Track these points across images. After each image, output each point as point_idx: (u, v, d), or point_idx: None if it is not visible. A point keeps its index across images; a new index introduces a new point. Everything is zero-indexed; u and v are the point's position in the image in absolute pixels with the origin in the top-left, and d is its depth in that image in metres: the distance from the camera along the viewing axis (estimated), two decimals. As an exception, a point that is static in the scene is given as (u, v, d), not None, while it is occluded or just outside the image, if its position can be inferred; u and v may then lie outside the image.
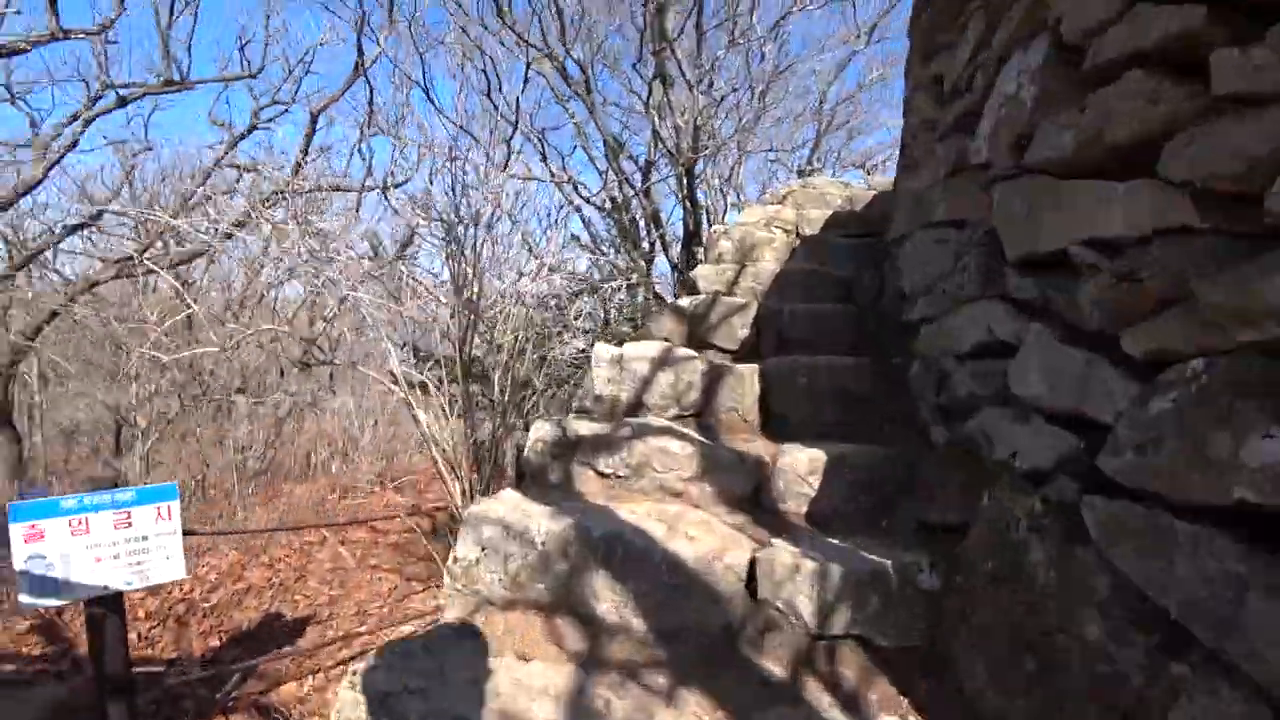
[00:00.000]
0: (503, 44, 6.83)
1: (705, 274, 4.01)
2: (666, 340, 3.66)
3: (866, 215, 4.78)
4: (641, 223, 6.70)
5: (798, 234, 4.77)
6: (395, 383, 4.05)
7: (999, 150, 1.81)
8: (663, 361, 2.96)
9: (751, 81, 7.39)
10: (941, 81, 2.54)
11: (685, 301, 3.63)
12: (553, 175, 6.82)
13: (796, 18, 8.66)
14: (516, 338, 4.10)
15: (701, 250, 6.23)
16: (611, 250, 6.84)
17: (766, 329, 3.44)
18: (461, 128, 6.32)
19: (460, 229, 4.11)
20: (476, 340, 4.18)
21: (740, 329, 3.43)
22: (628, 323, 6.10)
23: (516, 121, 6.72)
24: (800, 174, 9.11)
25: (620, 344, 3.27)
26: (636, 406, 3.00)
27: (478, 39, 6.50)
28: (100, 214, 11.07)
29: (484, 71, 6.59)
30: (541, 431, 2.57)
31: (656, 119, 5.99)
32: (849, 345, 3.27)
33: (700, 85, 6.46)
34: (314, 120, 8.30)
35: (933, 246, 2.33)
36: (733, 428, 2.86)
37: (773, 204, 5.03)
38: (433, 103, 7.52)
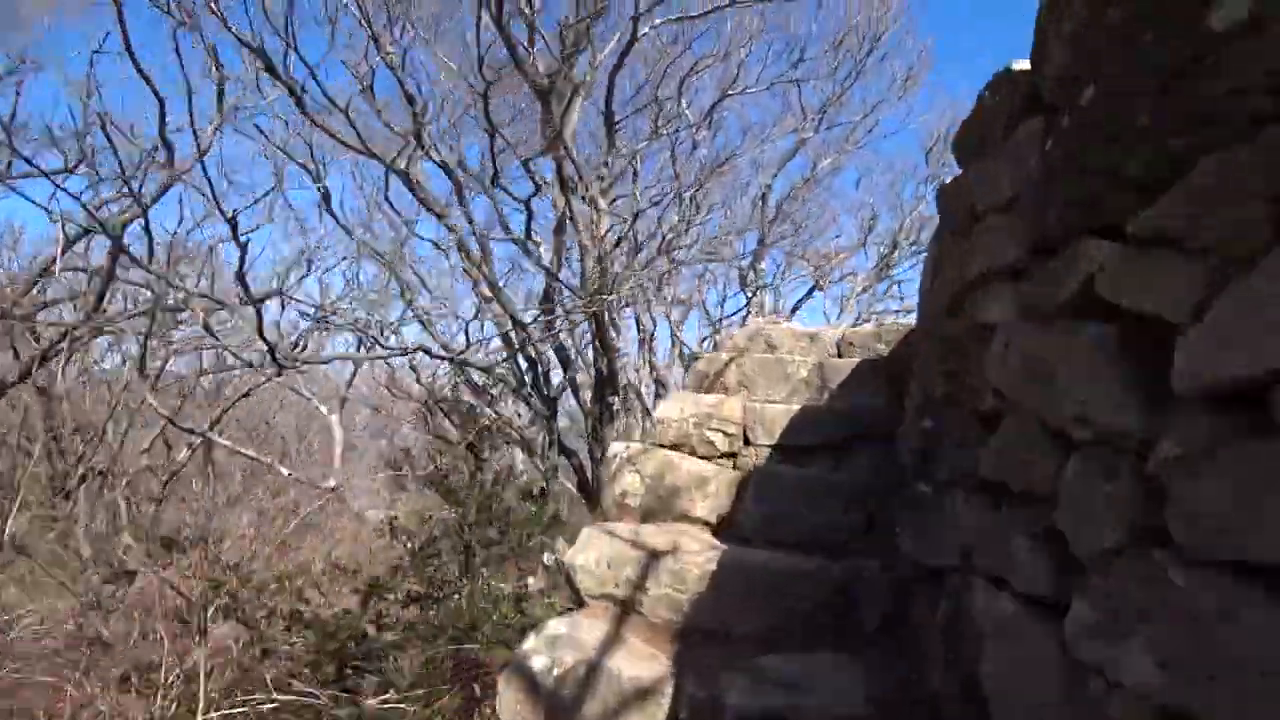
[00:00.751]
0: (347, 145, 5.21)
1: (589, 564, 2.26)
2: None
3: (847, 407, 3.20)
4: (542, 371, 5.04)
5: (746, 440, 3.13)
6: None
7: None
8: None
9: (679, 184, 5.89)
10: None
11: (539, 662, 1.89)
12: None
13: (733, 102, 7.39)
14: None
15: (605, 453, 4.49)
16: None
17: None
18: (283, 293, 4.55)
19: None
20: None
21: (642, 753, 1.70)
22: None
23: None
24: (743, 283, 7.65)
25: None
26: None
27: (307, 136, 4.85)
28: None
29: (321, 187, 4.90)
30: None
31: (544, 252, 4.40)
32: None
33: (610, 194, 4.93)
34: (118, 240, 6.39)
35: None
36: None
37: (709, 391, 3.38)
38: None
